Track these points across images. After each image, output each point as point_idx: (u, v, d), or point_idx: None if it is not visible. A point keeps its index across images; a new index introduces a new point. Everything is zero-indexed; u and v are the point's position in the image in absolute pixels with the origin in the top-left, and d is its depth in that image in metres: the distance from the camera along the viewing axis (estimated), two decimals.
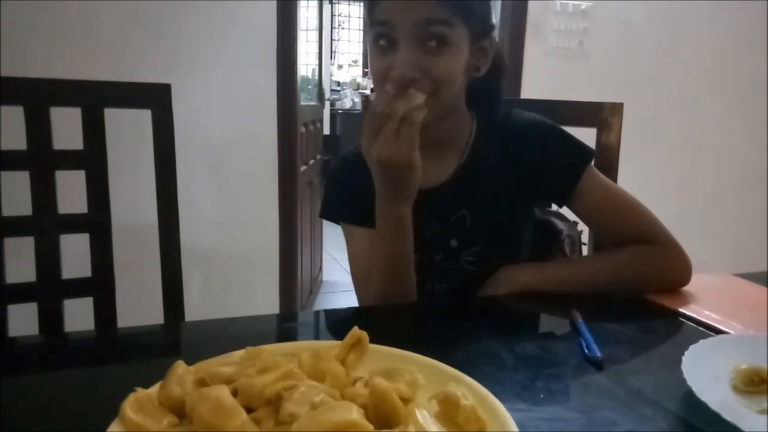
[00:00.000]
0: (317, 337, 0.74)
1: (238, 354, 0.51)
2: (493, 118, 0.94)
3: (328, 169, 1.03)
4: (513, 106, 0.97)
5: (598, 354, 0.60)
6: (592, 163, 0.90)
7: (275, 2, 2.09)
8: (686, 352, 0.56)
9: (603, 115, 1.11)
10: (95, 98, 0.96)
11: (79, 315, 0.98)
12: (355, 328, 0.55)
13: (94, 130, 0.96)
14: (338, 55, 5.92)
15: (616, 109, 1.11)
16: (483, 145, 0.93)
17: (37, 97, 0.93)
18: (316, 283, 3.00)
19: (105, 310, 0.99)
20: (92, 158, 0.97)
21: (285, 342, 0.58)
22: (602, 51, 2.55)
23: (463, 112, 0.93)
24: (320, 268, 3.18)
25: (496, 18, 2.50)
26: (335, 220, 0.98)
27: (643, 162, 2.74)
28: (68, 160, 0.97)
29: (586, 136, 1.13)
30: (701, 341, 0.59)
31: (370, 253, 0.88)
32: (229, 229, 2.21)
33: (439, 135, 0.88)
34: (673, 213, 2.95)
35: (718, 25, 2.70)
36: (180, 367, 0.45)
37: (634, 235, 0.86)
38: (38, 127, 0.93)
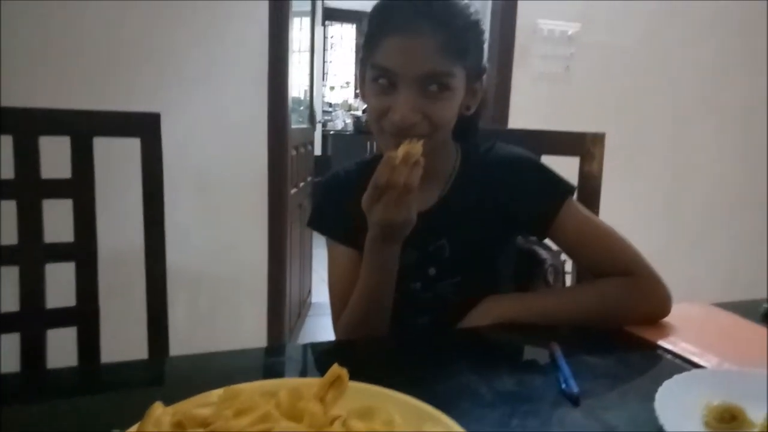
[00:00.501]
0: (303, 372, 0.74)
1: (217, 393, 0.51)
2: (477, 150, 0.96)
3: (319, 183, 1.05)
4: (499, 135, 1.00)
5: (575, 389, 0.61)
6: (575, 196, 0.92)
7: (267, 26, 2.12)
8: (659, 389, 0.58)
9: (585, 145, 1.14)
10: (85, 127, 0.97)
11: (62, 344, 0.98)
12: (335, 366, 0.56)
13: (83, 160, 0.97)
14: (330, 77, 5.98)
15: (598, 139, 1.13)
16: (466, 177, 0.94)
17: (26, 126, 0.94)
18: (305, 305, 3.00)
19: (88, 339, 0.98)
20: (80, 188, 0.97)
21: (267, 379, 0.58)
22: (589, 76, 2.59)
23: (449, 145, 0.95)
24: (309, 291, 3.17)
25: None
26: (322, 231, 1.01)
27: (630, 185, 2.78)
28: (56, 189, 0.97)
29: (570, 165, 1.16)
30: (675, 377, 0.60)
31: (349, 271, 0.91)
32: (218, 252, 2.21)
33: (425, 167, 0.89)
34: (662, 236, 2.99)
35: (703, 48, 2.76)
36: (158, 409, 0.46)
37: (615, 268, 0.87)
38: (27, 157, 0.94)
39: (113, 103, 1.96)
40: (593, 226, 0.91)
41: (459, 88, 0.85)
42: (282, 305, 2.35)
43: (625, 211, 2.80)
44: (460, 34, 0.82)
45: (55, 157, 0.97)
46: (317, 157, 4.27)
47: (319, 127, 4.87)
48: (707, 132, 2.86)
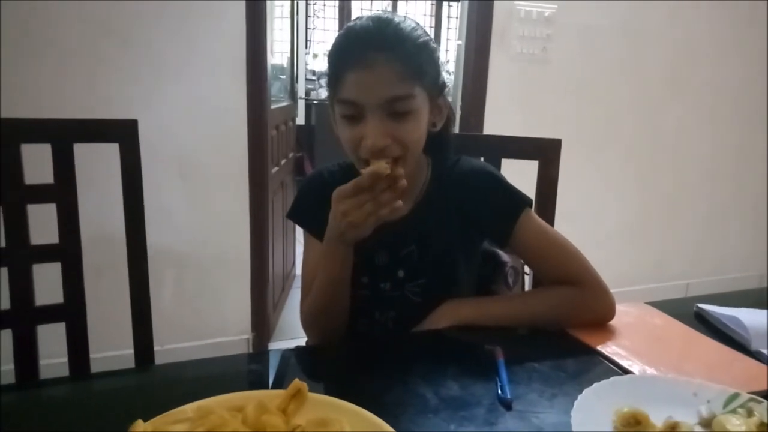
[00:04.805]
0: (280, 377, 0.81)
1: (191, 407, 0.60)
2: (444, 165, 1.03)
3: (304, 178, 1.13)
4: (466, 141, 1.04)
5: (509, 396, 0.70)
6: (532, 208, 0.99)
7: (244, 8, 2.12)
8: (579, 396, 0.66)
9: (543, 150, 1.20)
10: (65, 135, 1.01)
11: (53, 336, 1.05)
12: (296, 380, 0.64)
13: (64, 166, 1.01)
14: (313, 44, 5.90)
15: (555, 144, 1.20)
16: (435, 190, 1.02)
17: (9, 135, 0.98)
18: (288, 278, 3.08)
19: (77, 332, 1.05)
20: (62, 192, 1.02)
21: (240, 390, 0.66)
22: (566, 56, 2.63)
23: (421, 160, 1.02)
24: (293, 263, 3.26)
25: (462, 38, 2.56)
26: (299, 223, 1.09)
27: (604, 162, 2.86)
28: (39, 194, 1.02)
29: (529, 167, 1.23)
30: (594, 385, 0.69)
31: (319, 265, 0.98)
32: (202, 231, 2.26)
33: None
34: (634, 212, 3.09)
35: (678, 30, 2.80)
36: (138, 426, 0.53)
37: (566, 277, 0.95)
38: (10, 164, 0.98)
39: (94, 90, 1.99)
40: (549, 237, 0.98)
41: (422, 107, 0.91)
42: (265, 281, 2.43)
43: (599, 187, 2.90)
44: (413, 57, 0.88)
45: (38, 163, 1.01)
46: (300, 126, 4.27)
47: (302, 94, 4.84)
48: (680, 112, 2.93)
